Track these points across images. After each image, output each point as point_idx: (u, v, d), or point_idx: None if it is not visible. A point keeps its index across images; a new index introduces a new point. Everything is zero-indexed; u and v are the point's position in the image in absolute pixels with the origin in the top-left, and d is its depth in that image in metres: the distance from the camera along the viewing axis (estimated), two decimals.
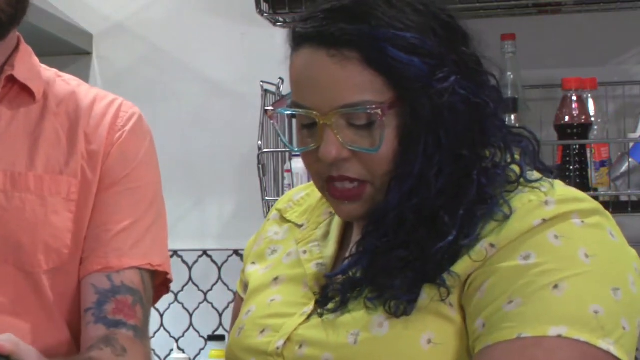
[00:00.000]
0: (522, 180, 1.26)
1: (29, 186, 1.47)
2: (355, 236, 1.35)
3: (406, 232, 1.25)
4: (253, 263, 1.47)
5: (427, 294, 1.22)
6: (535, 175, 1.28)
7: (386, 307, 1.22)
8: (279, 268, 1.41)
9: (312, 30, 1.27)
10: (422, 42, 1.24)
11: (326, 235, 1.40)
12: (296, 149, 1.34)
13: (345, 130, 1.27)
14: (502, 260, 1.20)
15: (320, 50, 1.26)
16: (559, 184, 1.27)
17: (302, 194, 1.50)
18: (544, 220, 1.20)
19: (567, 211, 1.21)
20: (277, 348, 1.29)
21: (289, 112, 1.32)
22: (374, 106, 1.24)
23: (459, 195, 1.24)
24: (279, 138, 2.55)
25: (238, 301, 1.51)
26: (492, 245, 1.21)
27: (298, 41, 1.29)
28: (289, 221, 1.47)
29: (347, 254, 1.32)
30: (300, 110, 1.29)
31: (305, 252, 1.39)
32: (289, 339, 1.29)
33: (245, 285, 1.48)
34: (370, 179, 1.28)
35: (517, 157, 1.28)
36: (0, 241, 1.45)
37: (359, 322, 1.25)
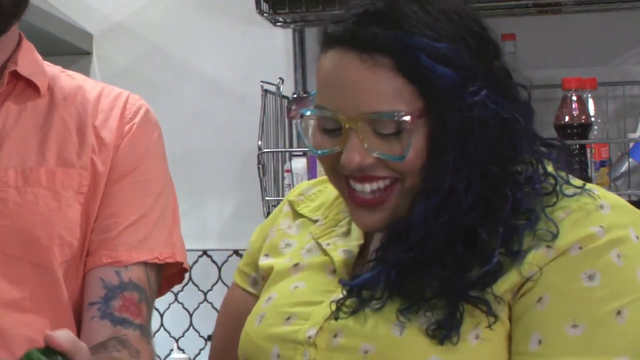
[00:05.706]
0: (560, 190, 1.25)
1: (40, 181, 1.47)
2: (377, 238, 1.32)
3: (436, 249, 1.23)
4: (266, 255, 1.45)
5: (472, 314, 1.21)
6: (577, 181, 1.27)
7: (429, 332, 1.20)
8: (299, 260, 1.39)
9: (343, 33, 1.24)
10: (456, 53, 1.22)
11: (347, 233, 1.37)
12: (319, 152, 1.29)
13: (371, 137, 1.23)
14: (563, 273, 1.20)
15: (351, 53, 1.23)
16: (599, 188, 1.28)
17: (314, 189, 1.47)
18: (602, 228, 1.21)
19: (624, 222, 1.23)
20: (309, 337, 1.27)
21: (312, 113, 1.28)
22: (402, 113, 1.21)
23: (495, 211, 1.23)
24: (279, 138, 2.55)
25: (237, 292, 1.49)
26: (548, 247, 1.21)
27: (328, 43, 1.26)
28: (301, 215, 1.45)
29: (369, 258, 1.30)
30: (326, 112, 1.25)
31: (328, 244, 1.36)
32: (321, 328, 1.27)
33: (253, 279, 1.47)
34: (399, 176, 1.25)
35: (550, 168, 1.27)
36: (16, 237, 1.45)
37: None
